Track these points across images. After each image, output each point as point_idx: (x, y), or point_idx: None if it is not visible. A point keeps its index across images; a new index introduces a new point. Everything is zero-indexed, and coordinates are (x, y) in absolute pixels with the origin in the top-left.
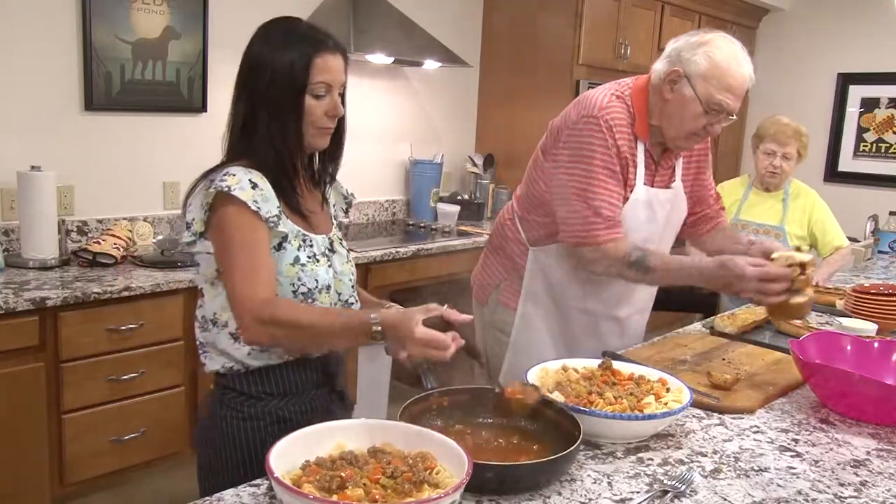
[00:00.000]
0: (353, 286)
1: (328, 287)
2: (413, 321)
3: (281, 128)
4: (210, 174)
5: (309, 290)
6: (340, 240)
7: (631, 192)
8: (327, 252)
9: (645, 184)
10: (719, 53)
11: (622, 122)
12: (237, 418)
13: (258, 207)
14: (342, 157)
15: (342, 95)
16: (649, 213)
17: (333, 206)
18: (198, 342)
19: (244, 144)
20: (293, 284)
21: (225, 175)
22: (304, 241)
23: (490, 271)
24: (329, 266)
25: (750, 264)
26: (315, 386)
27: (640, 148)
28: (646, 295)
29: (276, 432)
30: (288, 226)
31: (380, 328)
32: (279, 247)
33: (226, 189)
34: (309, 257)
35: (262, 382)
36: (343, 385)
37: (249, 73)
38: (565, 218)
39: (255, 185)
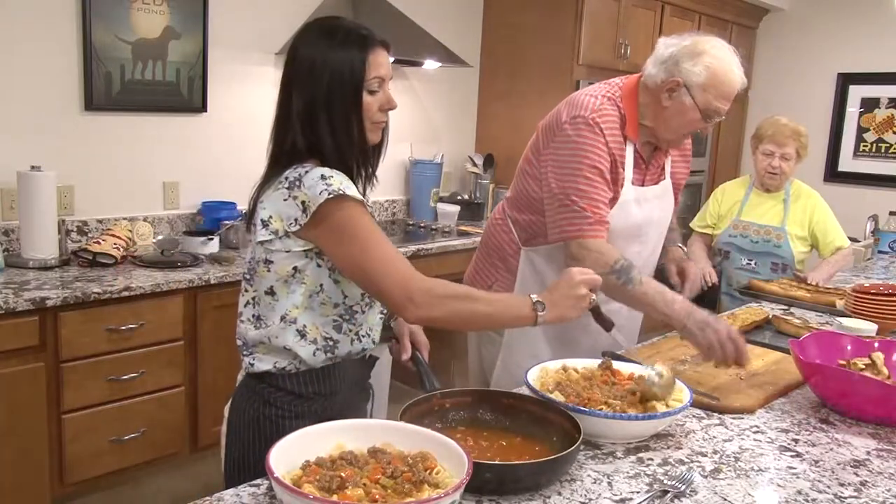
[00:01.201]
0: None
1: None
2: (566, 273)
3: (345, 126)
4: (279, 174)
5: None
6: None
7: (620, 192)
8: None
9: (634, 183)
10: (718, 64)
11: (613, 125)
12: (284, 417)
13: (368, 205)
14: (385, 153)
15: None
16: (639, 211)
17: None
18: (241, 342)
19: (305, 145)
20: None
21: (324, 178)
22: None
23: (483, 272)
24: None
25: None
26: (355, 383)
27: (630, 149)
28: None
29: None
30: None
31: (540, 299)
32: None
33: (340, 191)
34: None
35: (313, 382)
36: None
37: (302, 77)
38: (552, 215)
39: (350, 184)
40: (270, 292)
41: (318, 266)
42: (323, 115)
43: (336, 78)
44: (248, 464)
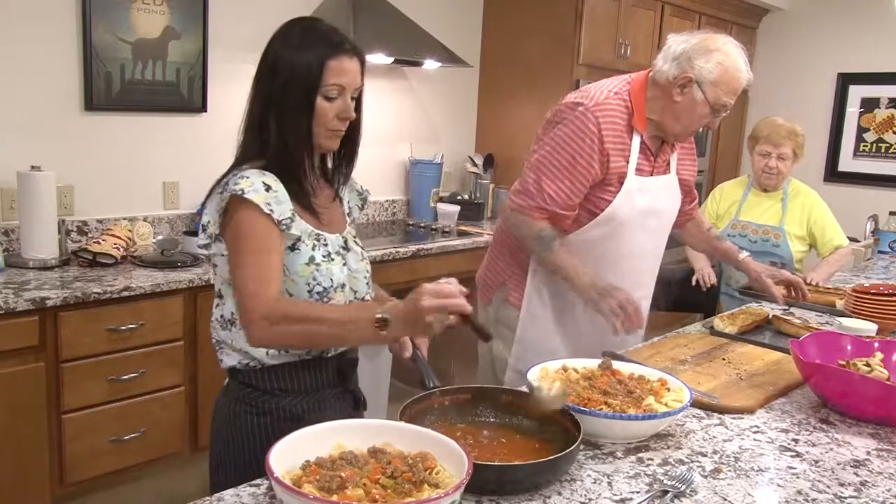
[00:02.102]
0: (368, 283)
1: (343, 285)
2: (419, 288)
3: (292, 127)
4: (225, 177)
5: (324, 289)
6: (355, 237)
7: (620, 181)
8: (341, 250)
9: (639, 174)
10: (728, 61)
11: (614, 118)
12: (251, 413)
13: (271, 210)
14: (356, 160)
15: (358, 99)
16: (643, 200)
17: (348, 203)
18: (214, 341)
19: (257, 144)
20: (308, 284)
21: (239, 178)
22: (318, 240)
23: (495, 270)
24: (344, 264)
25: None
26: (329, 385)
27: (636, 140)
28: (649, 282)
29: (289, 429)
30: (301, 226)
31: (386, 314)
32: (293, 248)
33: (240, 192)
34: (324, 256)
35: (277, 379)
36: (356, 386)
37: (266, 73)
38: (518, 184)
39: (268, 188)
40: (219, 295)
41: None
42: (275, 114)
43: (291, 78)
44: (225, 461)
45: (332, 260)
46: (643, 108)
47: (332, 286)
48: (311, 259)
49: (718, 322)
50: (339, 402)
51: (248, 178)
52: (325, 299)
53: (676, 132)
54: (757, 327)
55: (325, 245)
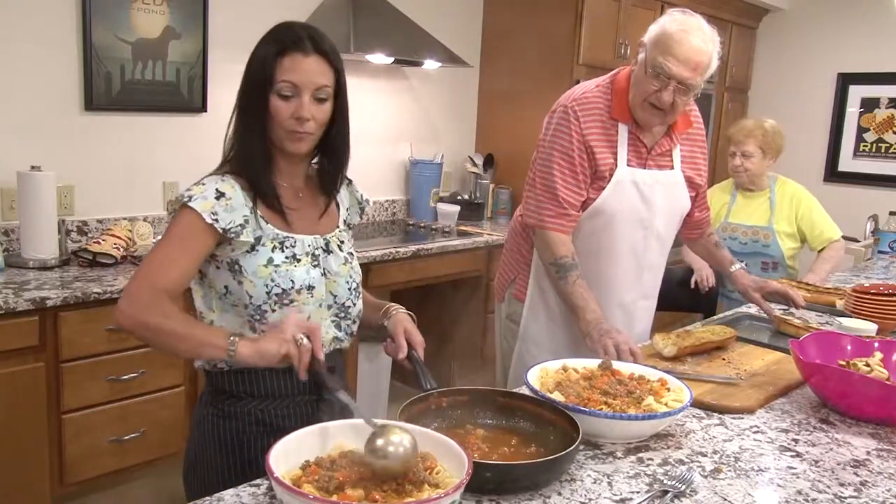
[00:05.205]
0: (351, 289)
1: (310, 287)
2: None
3: (251, 127)
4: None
5: (284, 290)
6: (341, 242)
7: (611, 174)
8: (319, 252)
9: (630, 165)
10: (672, 24)
11: (592, 109)
12: (217, 416)
13: (214, 220)
14: (345, 166)
15: (339, 101)
16: (640, 194)
17: (347, 209)
18: None
19: (229, 144)
20: (266, 285)
21: (195, 184)
22: (282, 242)
23: (506, 269)
24: (315, 266)
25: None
26: (301, 392)
27: (623, 131)
28: (651, 281)
29: (255, 434)
30: (264, 230)
31: (235, 340)
32: (252, 249)
33: (186, 199)
34: (287, 258)
35: (244, 382)
36: (335, 395)
37: (244, 72)
38: (527, 200)
39: (220, 195)
40: (190, 295)
41: (217, 268)
42: (238, 114)
43: (249, 75)
44: (194, 463)
45: (298, 262)
46: (625, 97)
47: (292, 288)
48: (270, 260)
49: (658, 339)
50: (312, 409)
51: (203, 184)
52: (286, 301)
53: (634, 105)
54: (717, 348)
55: (293, 247)
